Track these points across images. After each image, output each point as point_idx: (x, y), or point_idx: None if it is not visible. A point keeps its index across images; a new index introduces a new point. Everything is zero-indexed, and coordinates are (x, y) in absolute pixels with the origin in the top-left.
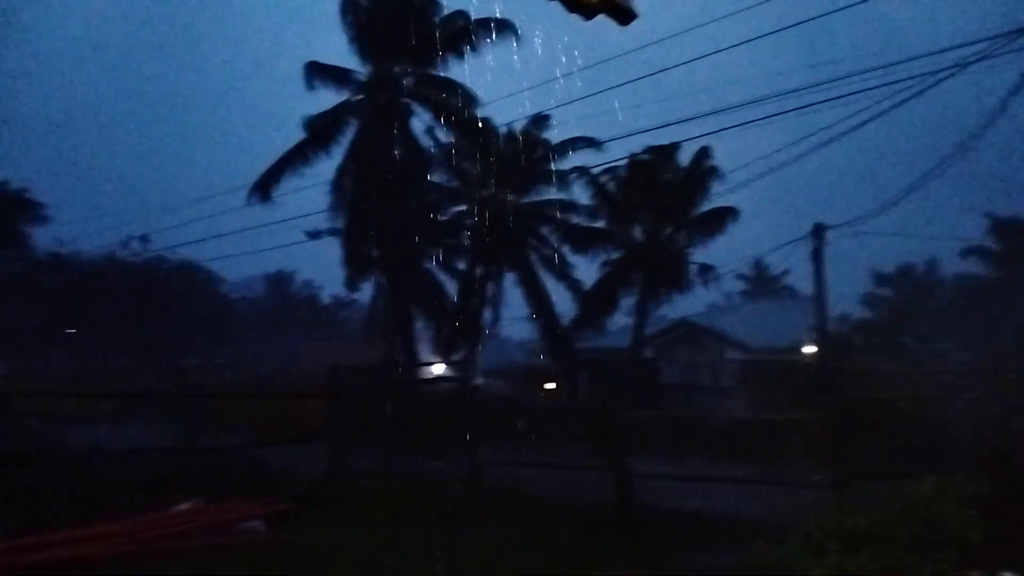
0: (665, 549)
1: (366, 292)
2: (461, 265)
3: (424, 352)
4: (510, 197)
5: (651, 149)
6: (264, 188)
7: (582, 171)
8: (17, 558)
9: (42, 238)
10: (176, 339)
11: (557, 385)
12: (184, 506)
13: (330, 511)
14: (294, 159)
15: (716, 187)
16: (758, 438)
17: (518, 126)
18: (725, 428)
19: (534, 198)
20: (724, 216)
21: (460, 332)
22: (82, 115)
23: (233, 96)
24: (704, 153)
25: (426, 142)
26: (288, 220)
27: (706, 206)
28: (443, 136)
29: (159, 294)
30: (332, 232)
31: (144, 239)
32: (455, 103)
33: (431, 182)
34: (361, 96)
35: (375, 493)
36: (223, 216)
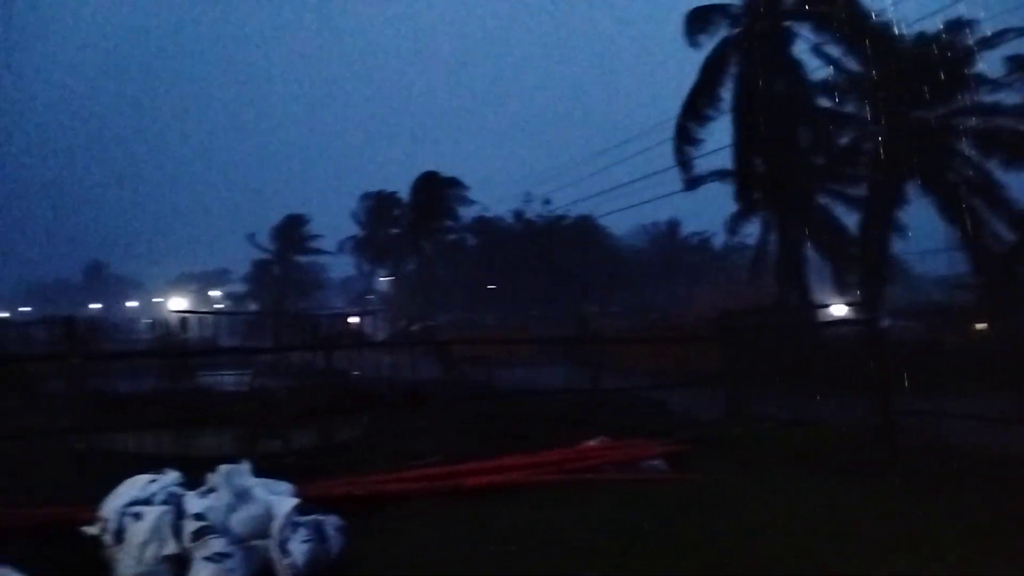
0: None
1: (756, 234)
2: (862, 195)
3: (822, 293)
4: (920, 111)
5: None
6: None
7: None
8: (462, 479)
9: (468, 211)
10: (576, 289)
11: (990, 325)
12: (592, 442)
13: (728, 454)
14: (698, 104)
15: None
16: None
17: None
18: None
19: (950, 107)
20: None
21: (863, 269)
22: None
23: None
24: None
25: (815, 64)
26: (669, 169)
27: None
28: (833, 54)
29: (561, 249)
30: (721, 175)
31: (546, 201)
32: (840, 14)
33: (824, 108)
34: (740, 29)
35: (774, 438)
36: (615, 168)
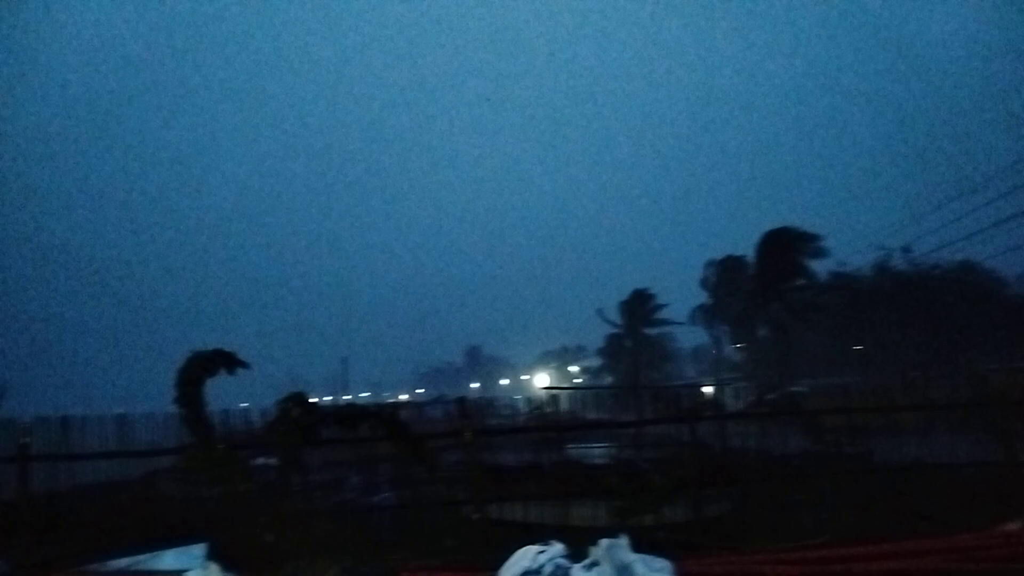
0: None
1: None
2: None
3: None
4: None
5: None
6: None
7: None
8: (852, 563)
9: (822, 266)
10: (964, 345)
11: None
12: (1013, 525)
13: None
14: None
15: None
16: None
17: None
18: None
19: None
20: None
21: None
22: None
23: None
24: None
25: None
26: None
27: None
28: None
29: (937, 301)
30: None
31: (906, 249)
32: None
33: None
34: None
35: None
36: (986, 208)
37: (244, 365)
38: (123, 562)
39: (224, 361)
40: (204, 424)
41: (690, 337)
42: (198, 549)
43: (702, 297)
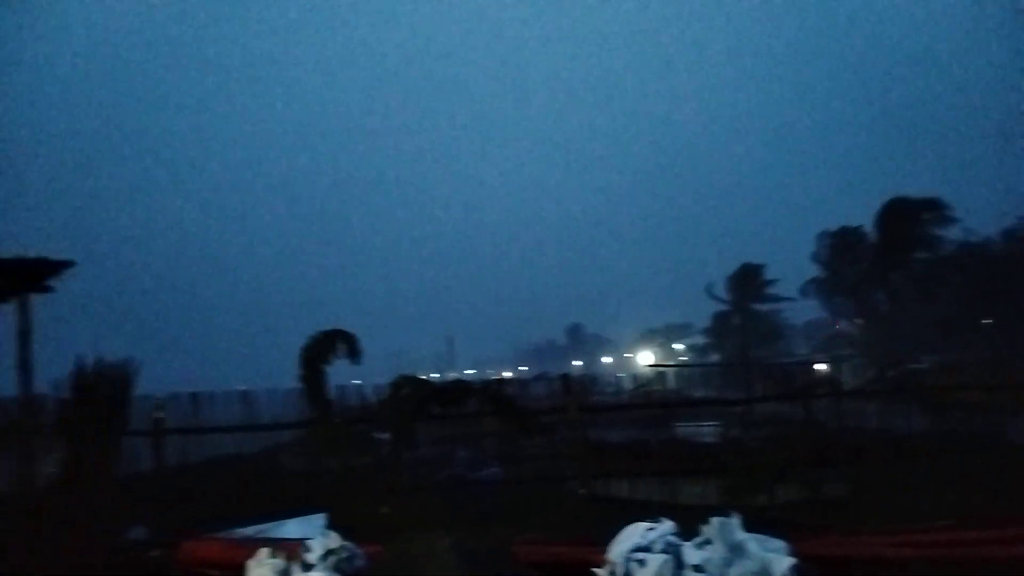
0: None
1: None
2: None
3: None
4: None
5: None
6: None
7: None
8: (980, 548)
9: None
10: None
11: None
12: None
13: None
14: None
15: None
16: None
17: None
18: None
19: None
20: None
21: None
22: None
23: None
24: None
25: None
26: None
27: None
28: None
29: None
30: None
31: None
32: None
33: None
34: None
35: None
36: None
37: (357, 353)
38: (249, 530)
39: (345, 342)
40: (324, 400)
41: (801, 312)
42: (318, 519)
43: (814, 271)
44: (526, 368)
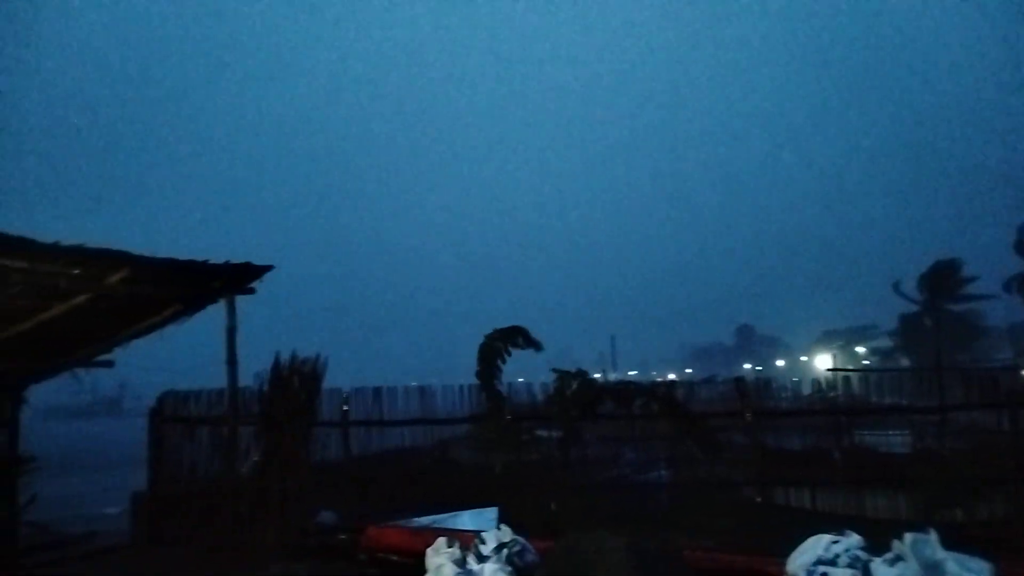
0: None
1: None
2: None
3: None
4: None
5: None
6: None
7: None
8: None
9: None
10: None
11: None
12: None
13: None
14: None
15: None
16: None
17: None
18: None
19: None
20: None
21: None
22: None
23: None
24: None
25: None
26: None
27: None
28: None
29: None
30: None
31: None
32: None
33: None
34: None
35: None
36: None
37: (538, 345)
38: (425, 520)
39: (522, 337)
40: (497, 396)
41: (1008, 313)
42: (491, 512)
43: (1018, 265)
44: (690, 370)
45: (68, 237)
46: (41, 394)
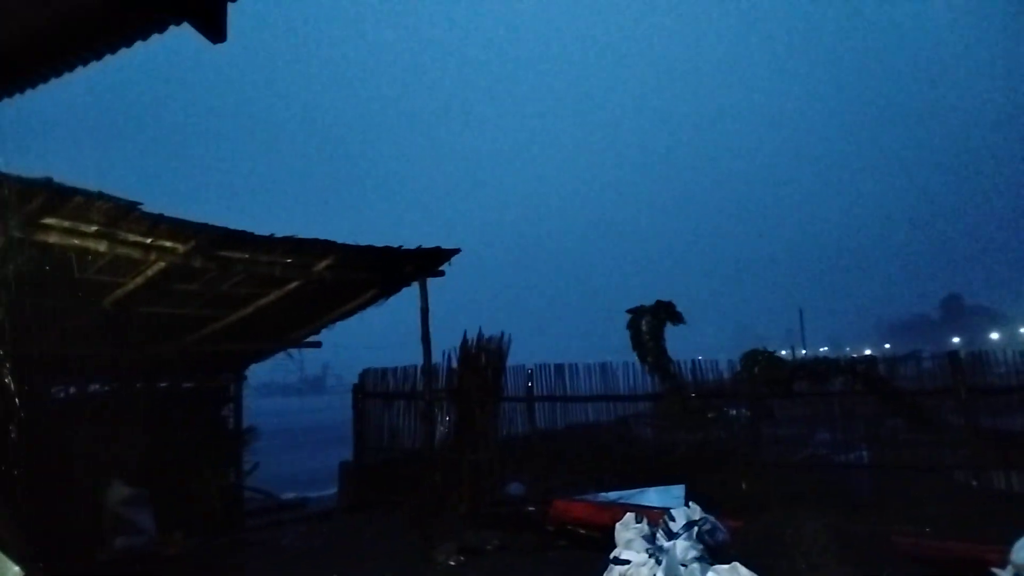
0: None
1: None
2: None
3: None
4: None
5: None
6: None
7: None
8: None
9: None
10: None
11: None
12: None
13: None
14: None
15: None
16: None
17: None
18: None
19: None
20: None
21: None
22: None
23: None
24: None
25: None
26: None
27: None
28: None
29: None
30: None
31: None
32: None
33: None
34: None
35: None
36: None
37: (680, 318)
38: (611, 495)
39: (666, 312)
40: (670, 373)
41: None
42: (677, 490)
43: None
44: (888, 345)
45: (279, 230)
46: (256, 373)
